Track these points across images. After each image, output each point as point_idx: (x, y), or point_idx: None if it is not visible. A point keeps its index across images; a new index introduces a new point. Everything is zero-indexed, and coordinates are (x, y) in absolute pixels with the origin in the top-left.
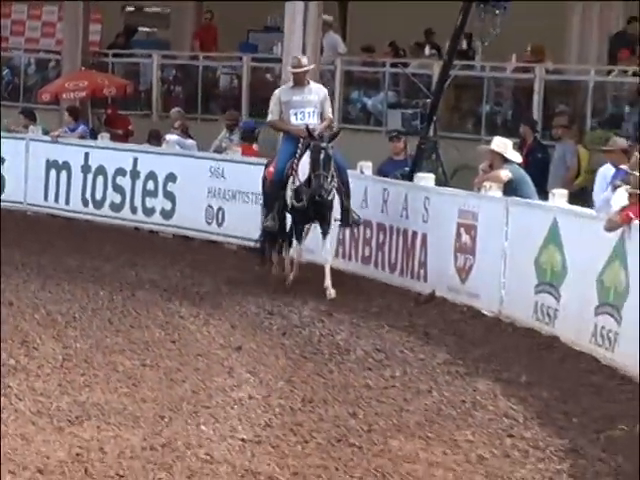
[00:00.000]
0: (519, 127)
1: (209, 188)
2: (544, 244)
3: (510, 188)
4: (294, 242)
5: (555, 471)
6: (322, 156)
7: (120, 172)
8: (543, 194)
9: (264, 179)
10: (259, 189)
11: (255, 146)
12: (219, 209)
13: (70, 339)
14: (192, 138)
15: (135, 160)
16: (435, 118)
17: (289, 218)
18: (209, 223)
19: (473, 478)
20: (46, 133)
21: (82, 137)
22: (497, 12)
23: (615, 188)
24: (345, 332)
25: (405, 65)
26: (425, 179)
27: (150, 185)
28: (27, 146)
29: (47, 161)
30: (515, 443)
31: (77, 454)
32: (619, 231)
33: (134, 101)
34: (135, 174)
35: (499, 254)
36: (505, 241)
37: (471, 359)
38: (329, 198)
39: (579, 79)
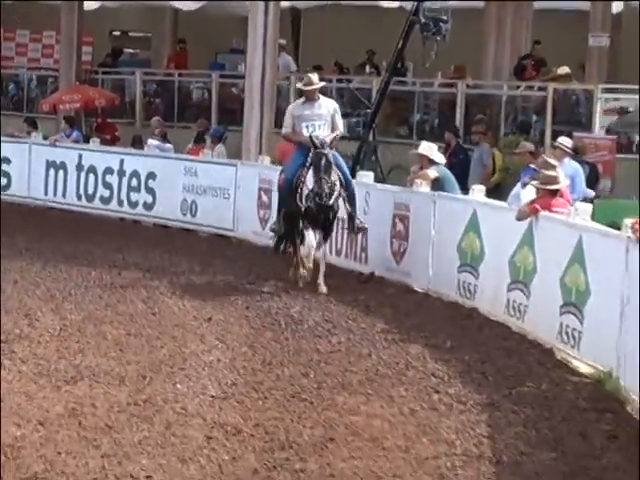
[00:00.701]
0: (444, 133)
1: (184, 184)
2: (465, 231)
3: (437, 185)
4: (308, 244)
5: (475, 421)
6: (323, 162)
7: (108, 171)
8: (464, 189)
9: (278, 185)
10: (226, 185)
11: (207, 150)
12: (192, 202)
13: (66, 312)
14: (169, 142)
15: (121, 161)
16: (375, 125)
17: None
18: (184, 214)
19: (406, 428)
20: (46, 138)
21: (76, 141)
22: (437, 39)
23: (524, 184)
24: (299, 306)
25: (349, 81)
26: (366, 176)
27: (134, 182)
28: (30, 149)
29: (47, 161)
30: (441, 398)
31: (72, 409)
32: (528, 220)
33: (120, 111)
34: (121, 173)
35: (428, 240)
36: (433, 229)
37: (404, 328)
38: (330, 201)
39: (494, 93)
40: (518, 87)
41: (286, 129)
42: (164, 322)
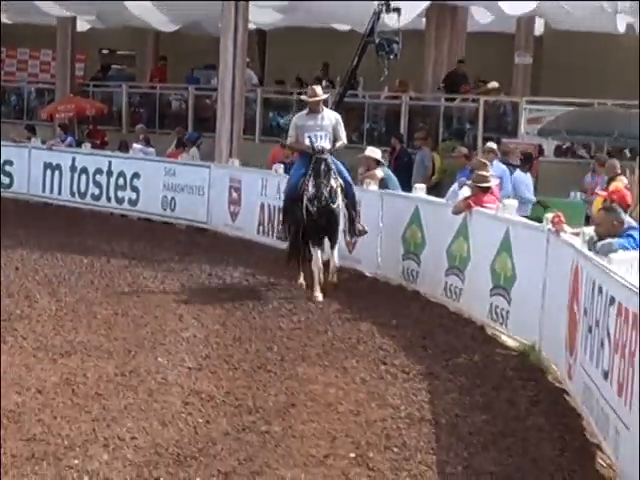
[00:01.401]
0: (391, 139)
1: (164, 183)
2: (408, 224)
3: (382, 183)
4: (316, 250)
5: (417, 389)
6: (322, 166)
7: (98, 171)
8: (408, 188)
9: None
10: (201, 184)
11: (186, 154)
12: (172, 199)
13: (61, 294)
14: (152, 146)
15: (110, 162)
16: None
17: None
18: (164, 209)
19: (357, 395)
20: (43, 142)
21: (70, 146)
22: (390, 57)
23: (460, 184)
24: (264, 288)
25: None
26: None
27: (121, 181)
28: (29, 152)
29: (44, 163)
30: (388, 369)
31: (66, 379)
32: (462, 215)
33: (108, 119)
34: (109, 173)
35: (376, 231)
36: (380, 222)
37: (356, 308)
38: (331, 205)
39: (433, 104)
40: (454, 99)
41: (290, 139)
42: (147, 303)
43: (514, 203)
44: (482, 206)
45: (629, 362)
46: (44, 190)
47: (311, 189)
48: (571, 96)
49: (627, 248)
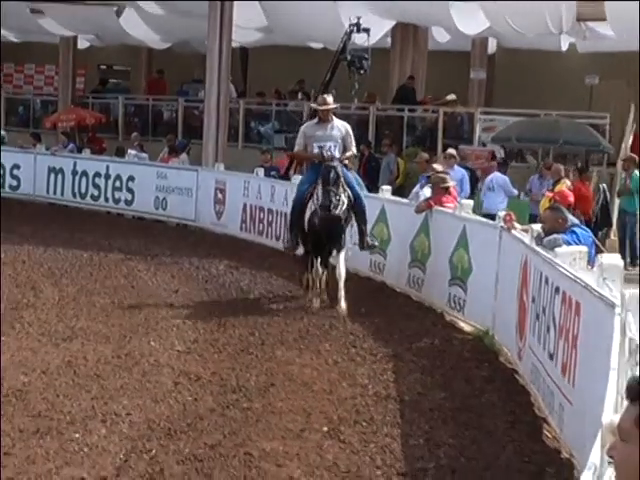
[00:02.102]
0: (360, 145)
1: (156, 185)
2: (376, 222)
3: None
4: (317, 259)
5: (383, 369)
6: (332, 174)
7: (97, 175)
8: (375, 189)
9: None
10: (189, 186)
11: (176, 159)
12: (163, 199)
13: (64, 285)
14: (145, 152)
15: (107, 167)
16: None
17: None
18: (157, 208)
19: (330, 375)
20: (47, 149)
21: (71, 152)
22: (361, 72)
23: (422, 186)
24: (247, 280)
25: (285, 105)
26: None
27: (117, 183)
28: (35, 157)
29: (48, 167)
30: (357, 352)
31: (68, 361)
32: (424, 213)
33: (106, 128)
34: (107, 176)
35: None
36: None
37: (329, 298)
38: (337, 213)
39: (398, 114)
40: (416, 110)
41: (298, 147)
42: (141, 293)
43: (470, 203)
44: (442, 206)
45: (572, 345)
46: (48, 192)
47: (318, 196)
48: (521, 107)
49: (570, 243)
